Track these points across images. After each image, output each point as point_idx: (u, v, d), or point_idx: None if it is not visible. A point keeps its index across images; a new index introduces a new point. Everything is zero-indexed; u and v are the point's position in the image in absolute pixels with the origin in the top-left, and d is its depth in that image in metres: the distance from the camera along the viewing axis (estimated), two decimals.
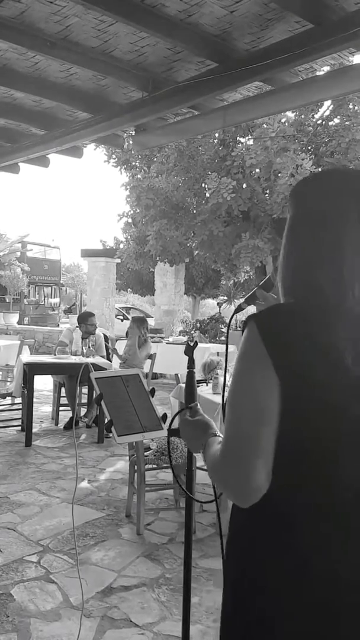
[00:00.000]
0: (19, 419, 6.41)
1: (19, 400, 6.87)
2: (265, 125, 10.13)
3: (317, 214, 1.08)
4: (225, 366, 1.49)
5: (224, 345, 10.18)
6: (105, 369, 5.51)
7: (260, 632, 1.02)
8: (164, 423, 2.10)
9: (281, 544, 1.01)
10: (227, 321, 14.96)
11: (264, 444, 0.99)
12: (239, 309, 1.56)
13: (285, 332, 1.00)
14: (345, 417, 0.98)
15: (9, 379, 8.12)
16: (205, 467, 1.16)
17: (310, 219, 1.08)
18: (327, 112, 11.29)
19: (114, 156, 13.07)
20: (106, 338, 6.80)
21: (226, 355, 1.48)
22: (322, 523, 0.99)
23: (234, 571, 1.09)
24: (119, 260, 14.23)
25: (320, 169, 11.11)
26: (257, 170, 10.16)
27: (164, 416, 2.14)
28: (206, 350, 8.44)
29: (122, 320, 19.31)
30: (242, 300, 1.51)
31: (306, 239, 1.08)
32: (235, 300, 18.62)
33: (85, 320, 6.70)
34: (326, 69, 4.55)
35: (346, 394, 0.97)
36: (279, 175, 9.71)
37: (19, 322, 17.60)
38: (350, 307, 1.00)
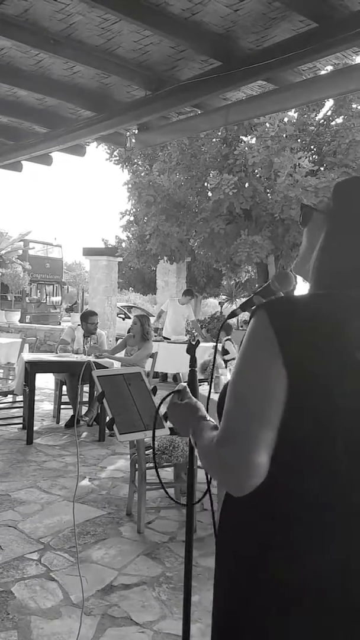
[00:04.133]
0: (21, 416, 6.41)
1: (20, 398, 6.87)
2: (268, 125, 10.13)
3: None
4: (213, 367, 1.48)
5: (224, 345, 10.15)
6: (107, 368, 5.52)
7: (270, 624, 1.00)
8: (166, 422, 2.10)
9: (283, 534, 1.00)
10: (221, 324, 14.94)
11: (266, 425, 0.96)
12: (232, 314, 1.51)
13: (296, 321, 0.98)
14: (348, 412, 0.97)
15: (10, 377, 8.13)
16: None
17: (353, 217, 1.08)
18: (329, 112, 11.28)
19: (115, 154, 13.07)
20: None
21: (214, 359, 1.47)
22: (323, 513, 0.98)
23: (231, 565, 1.08)
24: (120, 259, 14.22)
25: (322, 168, 11.11)
26: (260, 169, 10.17)
27: (166, 415, 2.14)
28: (208, 350, 8.44)
29: (123, 319, 19.32)
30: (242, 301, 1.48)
31: (346, 236, 1.08)
32: (237, 299, 18.61)
33: (87, 319, 6.72)
34: (329, 68, 4.54)
35: (352, 388, 0.96)
36: (279, 174, 9.72)
37: (20, 320, 17.60)
38: None
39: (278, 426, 0.97)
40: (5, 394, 7.24)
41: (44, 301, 25.08)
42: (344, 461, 0.97)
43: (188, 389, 1.39)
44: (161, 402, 1.34)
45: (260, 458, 0.96)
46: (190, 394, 1.37)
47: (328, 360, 0.96)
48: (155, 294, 17.32)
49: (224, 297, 19.95)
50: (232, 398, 1.02)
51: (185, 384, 1.41)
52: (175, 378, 5.13)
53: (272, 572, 0.99)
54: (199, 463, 1.27)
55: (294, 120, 10.52)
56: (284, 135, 9.91)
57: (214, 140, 11.22)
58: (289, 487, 0.99)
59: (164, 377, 10.30)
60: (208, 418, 1.23)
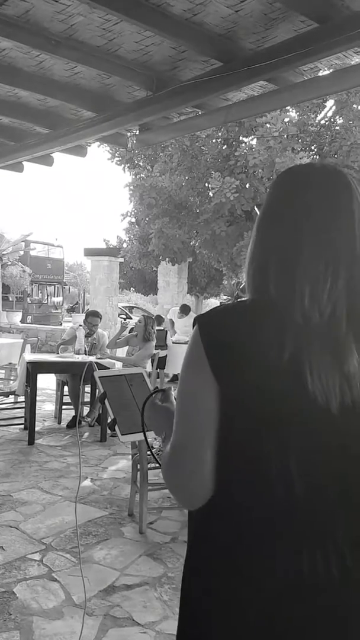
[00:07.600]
0: (22, 417, 6.42)
1: (22, 398, 6.88)
2: (268, 125, 10.13)
3: (279, 211, 1.04)
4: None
5: None
6: (109, 368, 5.52)
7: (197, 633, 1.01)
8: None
9: (220, 546, 0.99)
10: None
11: (204, 445, 0.97)
12: None
13: (223, 333, 0.98)
14: (276, 420, 0.94)
15: (12, 378, 8.14)
16: None
17: (272, 215, 1.05)
18: (330, 113, 11.28)
19: (117, 154, 13.07)
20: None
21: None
22: (255, 524, 0.96)
23: (185, 570, 1.08)
24: (122, 260, 14.23)
25: None
26: (260, 170, 10.16)
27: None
28: None
29: (124, 320, 19.33)
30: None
31: (265, 237, 1.05)
32: (239, 299, 18.62)
33: (87, 318, 6.79)
34: (330, 68, 4.54)
35: (276, 397, 0.94)
36: None
37: (22, 321, 17.63)
38: (295, 314, 0.96)
39: (216, 439, 0.97)
40: (7, 395, 7.25)
41: (46, 302, 25.11)
42: (281, 472, 0.95)
43: (172, 393, 1.36)
44: (145, 403, 1.32)
45: (200, 482, 0.98)
46: (173, 398, 1.33)
47: (246, 369, 0.95)
48: (156, 294, 17.32)
49: (225, 297, 19.95)
50: (176, 417, 1.03)
51: (171, 387, 1.38)
52: (178, 378, 5.11)
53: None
54: None
55: (295, 121, 10.52)
56: (285, 136, 9.91)
57: (214, 141, 11.22)
58: (229, 500, 0.98)
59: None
60: None
